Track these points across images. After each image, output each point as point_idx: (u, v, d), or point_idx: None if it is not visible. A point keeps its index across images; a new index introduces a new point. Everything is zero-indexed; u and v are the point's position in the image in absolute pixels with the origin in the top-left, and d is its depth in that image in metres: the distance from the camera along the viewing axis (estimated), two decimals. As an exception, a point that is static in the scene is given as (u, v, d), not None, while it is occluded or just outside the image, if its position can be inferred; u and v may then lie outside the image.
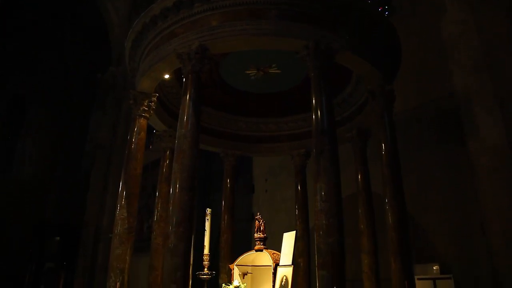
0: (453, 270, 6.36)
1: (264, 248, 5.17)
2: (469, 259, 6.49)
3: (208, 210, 4.91)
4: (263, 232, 5.25)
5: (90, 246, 12.20)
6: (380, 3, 9.23)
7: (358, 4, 4.82)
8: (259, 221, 5.28)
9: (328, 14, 4.65)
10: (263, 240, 5.22)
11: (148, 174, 10.47)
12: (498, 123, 6.09)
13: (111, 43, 14.16)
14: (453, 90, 6.87)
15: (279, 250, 5.06)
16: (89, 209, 12.80)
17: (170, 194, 4.20)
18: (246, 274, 5.24)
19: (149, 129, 5.92)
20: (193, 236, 4.03)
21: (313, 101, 4.36)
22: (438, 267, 6.49)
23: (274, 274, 4.86)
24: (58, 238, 14.16)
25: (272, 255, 5.03)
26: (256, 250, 5.21)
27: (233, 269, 5.22)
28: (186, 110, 4.40)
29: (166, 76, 5.42)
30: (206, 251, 4.75)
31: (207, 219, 4.88)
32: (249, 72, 5.90)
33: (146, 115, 5.50)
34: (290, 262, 4.73)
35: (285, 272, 4.72)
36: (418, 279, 5.88)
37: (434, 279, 6.24)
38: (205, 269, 4.63)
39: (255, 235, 5.29)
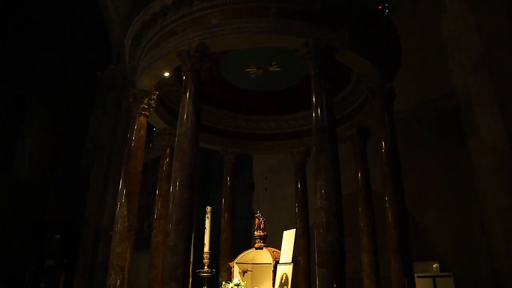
0: (453, 270, 6.36)
1: (264, 246, 5.18)
2: (469, 259, 6.49)
3: (208, 208, 4.93)
4: (263, 230, 5.26)
5: (90, 244, 12.22)
6: (380, 1, 9.22)
7: (358, 2, 4.81)
8: (259, 219, 5.29)
9: (328, 12, 4.64)
10: (263, 238, 5.23)
11: (148, 172, 10.49)
12: (498, 122, 6.08)
13: (111, 42, 14.15)
14: (453, 90, 6.86)
15: (279, 248, 5.08)
16: (89, 208, 12.82)
17: (170, 192, 4.20)
18: (246, 272, 5.25)
19: (149, 127, 5.92)
20: (193, 234, 4.03)
21: (313, 99, 4.35)
22: (438, 265, 6.50)
23: (274, 272, 4.87)
24: (58, 236, 14.19)
25: (272, 253, 5.04)
26: (256, 248, 5.22)
27: (233, 267, 5.23)
28: (186, 108, 4.40)
29: (166, 74, 5.41)
30: (206, 249, 4.76)
31: (207, 217, 4.89)
32: (249, 70, 5.90)
33: (146, 113, 5.49)
34: (290, 260, 4.74)
35: (285, 270, 4.73)
36: (418, 277, 5.89)
37: (433, 277, 6.26)
38: (205, 267, 4.64)
39: (255, 233, 5.30)
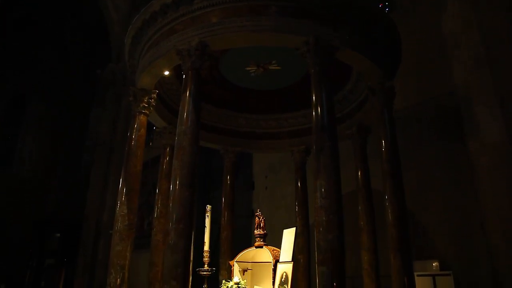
0: (453, 269, 6.36)
1: (264, 245, 5.19)
2: (469, 259, 6.49)
3: (208, 207, 4.93)
4: (263, 228, 5.27)
5: (90, 243, 12.23)
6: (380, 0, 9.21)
7: (358, 1, 4.81)
8: (259, 218, 5.29)
9: (328, 11, 4.64)
10: (263, 237, 5.24)
11: (148, 171, 10.49)
12: (499, 121, 6.08)
13: (110, 40, 14.14)
14: (453, 88, 6.86)
15: (279, 247, 5.08)
16: (89, 206, 12.82)
17: (170, 191, 4.20)
18: (246, 271, 5.26)
19: (149, 126, 5.92)
20: (193, 233, 4.03)
21: (313, 97, 4.35)
22: (437, 264, 6.51)
23: (274, 270, 4.88)
24: (58, 235, 14.21)
25: (272, 251, 5.05)
26: (256, 247, 5.23)
27: (233, 265, 5.24)
28: (186, 107, 4.40)
29: (166, 73, 5.41)
30: (206, 247, 4.76)
31: (207, 216, 4.89)
32: (249, 68, 5.89)
33: (146, 111, 5.49)
34: (290, 259, 4.75)
35: (285, 268, 4.73)
36: (418, 275, 5.90)
37: (433, 276, 6.26)
38: (205, 265, 4.64)
39: (255, 231, 5.30)
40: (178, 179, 4.14)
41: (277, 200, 9.94)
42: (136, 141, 5.33)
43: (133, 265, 5.05)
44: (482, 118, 6.26)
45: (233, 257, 5.57)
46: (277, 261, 4.93)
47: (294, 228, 5.04)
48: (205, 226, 4.85)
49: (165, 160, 6.20)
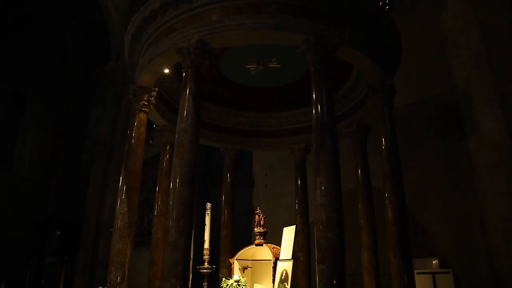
0: (453, 268, 6.36)
1: (264, 243, 5.19)
2: (469, 259, 6.49)
3: (208, 205, 4.93)
4: (263, 226, 5.26)
5: (90, 241, 12.24)
6: (381, -2, 9.20)
7: (359, -1, 4.81)
8: (259, 216, 5.29)
9: (329, 9, 4.63)
10: (263, 235, 5.24)
11: (148, 168, 10.50)
12: (498, 119, 6.07)
13: (110, 39, 14.13)
14: (453, 87, 6.85)
15: (279, 245, 5.08)
16: (89, 204, 12.83)
17: (170, 189, 4.21)
18: (246, 268, 5.26)
19: (149, 124, 5.92)
20: (193, 231, 4.04)
21: (314, 95, 4.35)
22: (437, 262, 6.51)
23: (274, 268, 4.88)
24: (58, 233, 14.22)
25: (272, 249, 5.05)
26: (256, 245, 5.23)
27: (233, 263, 5.24)
28: (186, 105, 4.39)
29: (166, 71, 5.41)
30: (206, 245, 4.77)
31: (207, 214, 4.89)
32: (249, 66, 5.89)
33: (146, 109, 5.49)
34: (290, 257, 4.75)
35: (285, 266, 4.74)
36: (418, 273, 5.91)
37: (433, 273, 6.27)
38: (206, 263, 4.65)
39: (255, 229, 5.30)
40: (178, 177, 4.14)
41: (277, 198, 9.95)
42: (136, 139, 5.33)
43: (133, 263, 5.06)
44: (482, 117, 6.25)
45: (233, 255, 5.57)
46: (277, 259, 4.93)
47: (294, 226, 5.04)
48: (205, 224, 4.86)
49: (165, 158, 6.21)
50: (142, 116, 5.46)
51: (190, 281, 3.95)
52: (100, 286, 7.72)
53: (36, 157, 16.36)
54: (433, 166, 7.21)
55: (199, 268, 4.57)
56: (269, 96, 6.83)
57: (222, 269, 6.37)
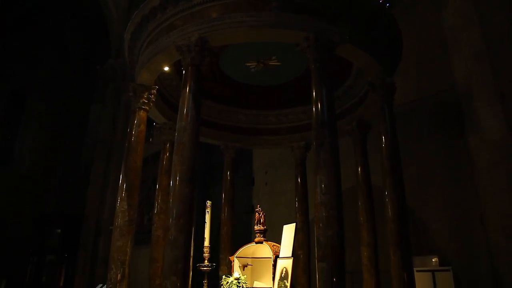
0: (453, 265, 6.36)
1: (264, 240, 5.20)
2: (469, 256, 6.48)
3: (208, 203, 4.93)
4: (263, 224, 5.28)
5: (91, 239, 12.26)
6: (381, -5, 9.17)
7: (359, -4, 4.79)
8: (259, 213, 5.31)
9: (329, 6, 4.62)
10: (263, 232, 5.25)
11: (148, 166, 10.48)
12: (499, 116, 6.07)
13: (110, 36, 14.12)
14: (453, 84, 6.85)
15: (279, 242, 5.09)
16: (89, 202, 12.85)
17: (170, 187, 4.20)
18: (246, 266, 5.27)
19: (149, 121, 5.91)
20: (193, 229, 4.04)
21: (314, 93, 4.34)
22: (437, 259, 6.52)
23: (274, 266, 4.89)
24: (59, 231, 14.24)
25: (272, 247, 5.06)
26: (256, 242, 5.24)
27: (233, 261, 5.25)
28: (186, 103, 4.39)
29: (166, 69, 5.40)
30: (206, 243, 4.77)
31: (207, 212, 4.90)
32: (249, 64, 5.88)
33: (146, 107, 5.48)
34: (290, 254, 4.76)
35: (285, 264, 4.75)
36: (417, 271, 5.91)
37: (433, 271, 6.27)
38: (206, 261, 4.66)
39: (255, 227, 5.32)
40: (178, 175, 4.14)
41: (277, 196, 9.95)
42: (136, 137, 5.32)
43: (134, 261, 5.06)
44: (483, 114, 6.25)
45: (233, 252, 5.58)
46: (277, 256, 4.94)
47: (294, 224, 5.06)
48: (205, 222, 4.86)
49: (165, 156, 6.21)
50: (142, 114, 5.46)
51: (190, 279, 3.95)
52: (101, 284, 7.73)
53: (36, 155, 16.38)
54: (433, 163, 7.21)
55: (199, 266, 4.58)
56: (269, 94, 6.82)
57: (222, 266, 6.38)
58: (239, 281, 4.78)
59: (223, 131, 7.23)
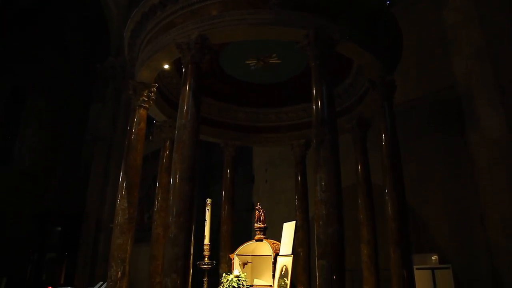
0: (452, 263, 6.36)
1: (264, 238, 5.21)
2: (469, 255, 6.48)
3: (208, 201, 4.94)
4: (263, 222, 5.29)
5: (91, 237, 12.29)
6: (381, -7, 9.15)
7: (359, -6, 4.78)
8: (259, 211, 5.31)
9: (329, 4, 4.61)
10: (263, 230, 5.26)
11: (148, 164, 10.48)
12: (499, 114, 6.06)
13: (110, 34, 14.10)
14: (453, 82, 6.83)
15: (279, 240, 5.10)
16: (89, 200, 12.87)
17: (170, 185, 4.20)
18: (246, 264, 5.28)
19: (149, 119, 5.91)
20: (193, 226, 4.04)
21: (314, 91, 4.34)
22: (437, 257, 6.52)
23: (274, 263, 4.90)
24: (59, 229, 14.27)
25: (272, 245, 5.07)
26: (256, 240, 5.25)
27: (234, 259, 5.27)
28: (186, 101, 4.38)
29: (166, 66, 5.39)
30: (206, 241, 4.78)
31: (208, 210, 4.91)
32: (249, 62, 5.87)
33: (146, 105, 5.48)
34: (290, 252, 4.77)
35: (285, 261, 4.76)
36: (417, 268, 5.92)
37: (432, 269, 6.28)
38: (206, 259, 4.67)
39: (255, 225, 5.33)
40: (178, 172, 4.14)
41: (277, 194, 9.96)
42: (136, 135, 5.33)
43: (134, 258, 5.07)
44: (483, 113, 6.24)
45: (233, 250, 5.59)
46: (277, 254, 4.95)
47: (294, 222, 5.07)
48: (205, 220, 4.87)
49: (165, 154, 6.21)
50: (142, 111, 5.46)
51: (191, 276, 3.96)
52: (101, 281, 7.75)
53: (36, 154, 16.39)
54: (433, 160, 7.21)
55: (200, 264, 4.59)
56: (269, 92, 6.82)
57: (222, 264, 6.39)
58: (239, 278, 4.79)
59: (223, 129, 7.22)
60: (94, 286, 7.84)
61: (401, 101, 6.69)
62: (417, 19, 8.00)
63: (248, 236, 7.01)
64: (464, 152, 6.55)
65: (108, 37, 14.19)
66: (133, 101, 5.47)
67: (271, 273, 4.89)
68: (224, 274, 5.01)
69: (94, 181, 13.07)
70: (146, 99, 5.45)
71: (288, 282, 4.58)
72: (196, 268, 4.32)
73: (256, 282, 5.26)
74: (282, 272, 4.72)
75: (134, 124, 5.36)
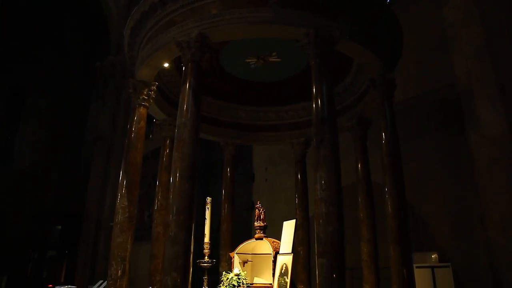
0: (452, 262, 6.36)
1: (264, 237, 5.21)
2: (469, 254, 6.47)
3: (208, 199, 4.94)
4: (263, 220, 5.28)
5: (91, 235, 12.30)
6: (382, -9, 9.13)
7: (359, -8, 4.78)
8: (259, 210, 5.31)
9: (329, 2, 4.61)
10: (263, 229, 5.26)
11: (148, 163, 10.50)
12: (499, 113, 6.06)
13: (110, 32, 14.10)
14: (453, 81, 6.83)
15: (279, 239, 5.10)
16: (90, 198, 12.88)
17: (171, 183, 4.21)
18: (246, 262, 5.28)
19: (149, 118, 5.91)
20: (193, 225, 4.05)
21: (314, 89, 4.34)
22: (436, 256, 6.53)
23: (274, 262, 4.90)
24: (59, 227, 14.28)
25: (272, 243, 5.07)
26: (256, 239, 5.25)
27: (234, 257, 5.26)
28: (185, 99, 4.38)
29: (166, 65, 5.39)
30: (206, 239, 4.78)
31: (208, 208, 4.90)
32: (249, 60, 5.87)
33: (146, 104, 5.48)
34: (290, 250, 4.77)
35: (285, 260, 4.76)
36: (417, 267, 5.92)
37: (432, 267, 6.28)
38: (206, 257, 4.67)
39: (255, 223, 5.32)
40: (178, 171, 4.14)
41: (277, 193, 9.96)
42: (136, 134, 5.33)
43: (134, 257, 5.07)
44: (483, 111, 6.23)
45: (233, 249, 5.59)
46: (277, 252, 4.95)
47: (294, 220, 5.06)
48: (206, 218, 4.87)
49: (165, 152, 6.20)
50: (142, 110, 5.46)
51: (191, 275, 3.97)
52: (101, 280, 7.76)
53: (36, 153, 16.40)
54: (433, 159, 7.21)
55: (200, 262, 4.59)
56: (269, 90, 6.81)
57: (222, 263, 6.40)
58: (239, 277, 4.79)
59: (223, 127, 7.22)
60: (95, 284, 7.86)
61: (401, 100, 6.69)
62: (417, 17, 7.99)
63: (248, 234, 7.02)
64: (464, 151, 6.54)
65: (108, 36, 14.19)
66: (133, 100, 5.47)
67: (271, 272, 4.89)
68: (224, 273, 5.01)
69: (94, 180, 13.07)
70: (146, 97, 5.45)
71: (288, 280, 4.58)
72: (196, 266, 4.33)
73: (256, 280, 5.26)
74: (282, 271, 4.72)
75: (134, 122, 5.36)
